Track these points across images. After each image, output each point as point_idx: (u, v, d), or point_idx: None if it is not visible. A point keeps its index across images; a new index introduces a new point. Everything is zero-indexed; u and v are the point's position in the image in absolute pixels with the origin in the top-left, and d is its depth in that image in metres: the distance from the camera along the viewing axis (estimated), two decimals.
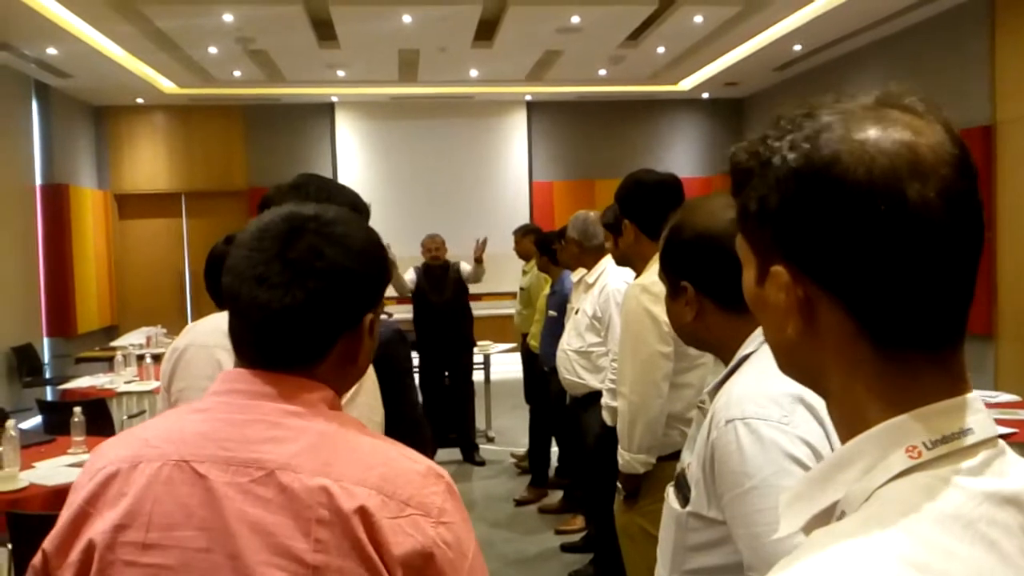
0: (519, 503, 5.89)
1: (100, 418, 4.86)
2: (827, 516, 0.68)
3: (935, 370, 0.69)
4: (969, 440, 0.66)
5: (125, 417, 5.50)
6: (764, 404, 1.31)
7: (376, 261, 1.15)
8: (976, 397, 0.69)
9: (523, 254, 6.72)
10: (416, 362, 6.89)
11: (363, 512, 0.98)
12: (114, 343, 8.25)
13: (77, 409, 4.10)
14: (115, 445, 1.12)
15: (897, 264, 0.66)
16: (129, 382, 5.93)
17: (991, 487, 0.64)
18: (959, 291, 0.68)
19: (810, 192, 0.68)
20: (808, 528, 0.69)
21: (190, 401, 2.01)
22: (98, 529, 1.04)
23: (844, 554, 0.60)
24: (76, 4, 6.93)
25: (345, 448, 1.04)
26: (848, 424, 0.71)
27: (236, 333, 1.12)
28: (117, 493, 1.05)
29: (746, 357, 1.41)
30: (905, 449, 0.66)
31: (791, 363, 0.77)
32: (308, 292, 1.07)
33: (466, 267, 6.84)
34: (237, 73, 9.47)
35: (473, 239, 6.48)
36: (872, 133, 0.68)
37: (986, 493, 0.64)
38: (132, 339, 8.01)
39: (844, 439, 0.71)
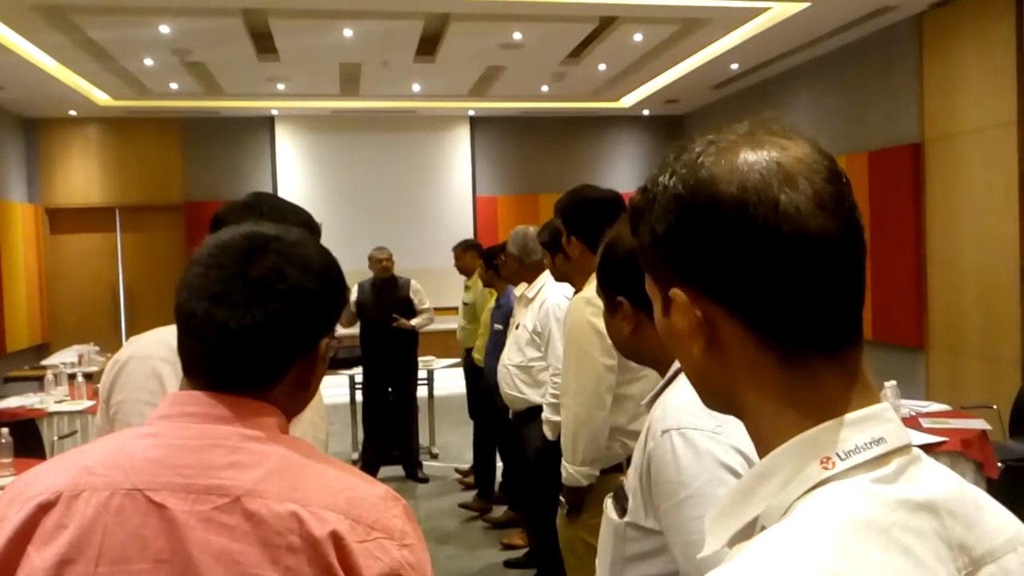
0: (463, 506, 5.98)
1: (30, 439, 4.71)
2: (749, 531, 0.70)
3: (835, 373, 0.71)
4: (881, 449, 0.68)
5: (56, 438, 5.33)
6: (698, 414, 1.32)
7: (335, 285, 1.13)
8: (887, 406, 0.72)
9: (464, 270, 6.69)
10: (360, 378, 6.84)
11: (335, 537, 0.96)
12: (45, 362, 8.01)
13: (4, 430, 3.97)
14: (47, 472, 1.04)
15: (778, 268, 0.69)
16: (60, 401, 5.74)
17: (904, 494, 0.66)
18: (844, 288, 0.71)
19: (691, 212, 0.72)
20: (733, 543, 0.70)
21: (128, 414, 1.95)
22: (36, 566, 0.96)
23: (761, 568, 0.62)
24: (4, 13, 6.74)
25: (309, 473, 1.01)
26: (763, 439, 0.74)
27: (188, 353, 1.07)
28: (55, 525, 0.98)
29: (681, 369, 1.43)
30: (820, 461, 0.68)
31: (706, 389, 0.79)
32: (268, 313, 1.04)
33: (418, 287, 6.77)
34: (174, 85, 9.31)
35: (416, 254, 6.37)
36: (743, 154, 0.72)
37: (899, 500, 0.66)
38: (64, 357, 7.77)
39: (761, 454, 0.73)
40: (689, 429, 1.32)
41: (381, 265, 6.61)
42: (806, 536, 0.63)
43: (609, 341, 2.69)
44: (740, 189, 0.70)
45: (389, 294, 6.60)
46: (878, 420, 0.70)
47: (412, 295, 6.69)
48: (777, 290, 0.69)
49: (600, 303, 2.67)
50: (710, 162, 0.73)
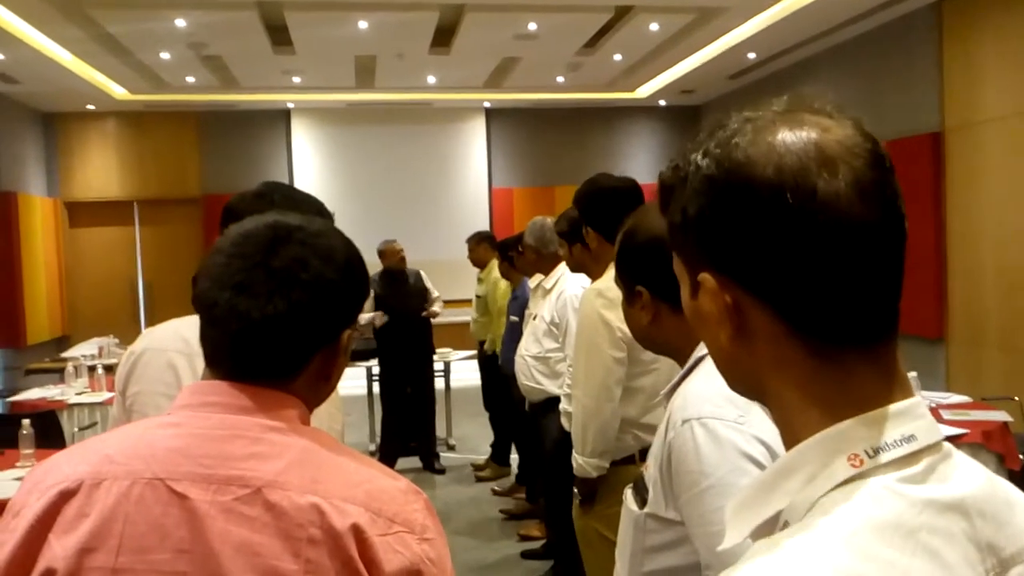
0: (479, 479, 6.23)
1: (50, 430, 4.74)
2: (771, 525, 0.68)
3: (869, 368, 0.68)
4: (912, 447, 0.66)
5: (76, 429, 5.37)
6: (720, 404, 1.31)
7: (358, 276, 1.12)
8: (919, 402, 0.69)
9: (477, 262, 6.69)
10: (376, 370, 6.86)
11: (356, 530, 0.95)
12: (65, 354, 8.05)
13: (26, 421, 3.99)
14: (68, 460, 1.04)
15: (814, 257, 0.66)
16: (80, 393, 5.79)
17: (933, 494, 0.64)
18: (882, 281, 0.68)
19: (724, 195, 0.69)
20: (756, 537, 0.68)
21: (144, 406, 1.96)
22: (58, 554, 0.96)
23: (782, 569, 0.60)
24: (23, 8, 6.78)
25: (330, 465, 1.01)
26: (789, 431, 0.71)
27: (211, 343, 1.06)
28: (76, 514, 0.97)
29: (702, 359, 1.41)
30: (847, 457, 0.65)
31: (733, 375, 0.76)
32: (291, 303, 1.03)
33: (428, 280, 6.81)
34: (191, 79, 9.34)
35: (432, 246, 6.40)
36: (780, 134, 0.68)
37: (927, 500, 0.63)
38: (83, 350, 7.82)
39: (788, 446, 0.71)
40: (710, 419, 1.31)
41: (398, 257, 6.64)
42: (830, 538, 0.61)
43: (619, 334, 2.72)
44: (776, 173, 0.66)
45: (404, 285, 6.63)
46: (910, 416, 0.67)
47: (426, 284, 6.75)
48: (811, 281, 0.66)
49: (611, 295, 2.68)
50: (746, 142, 0.69)
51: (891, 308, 0.69)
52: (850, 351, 0.68)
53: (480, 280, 6.70)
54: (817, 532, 0.61)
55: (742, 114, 0.72)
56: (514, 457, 6.33)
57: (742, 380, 0.76)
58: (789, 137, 0.68)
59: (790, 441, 0.70)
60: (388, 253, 6.65)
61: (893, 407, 0.67)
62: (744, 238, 0.68)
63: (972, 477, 0.68)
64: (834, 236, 0.65)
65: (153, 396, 1.89)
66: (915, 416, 0.67)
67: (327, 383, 1.12)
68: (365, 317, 6.36)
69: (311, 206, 1.75)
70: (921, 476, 0.65)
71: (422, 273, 6.81)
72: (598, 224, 2.98)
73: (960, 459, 0.69)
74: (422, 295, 6.71)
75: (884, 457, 0.65)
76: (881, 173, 0.68)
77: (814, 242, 0.65)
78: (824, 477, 0.65)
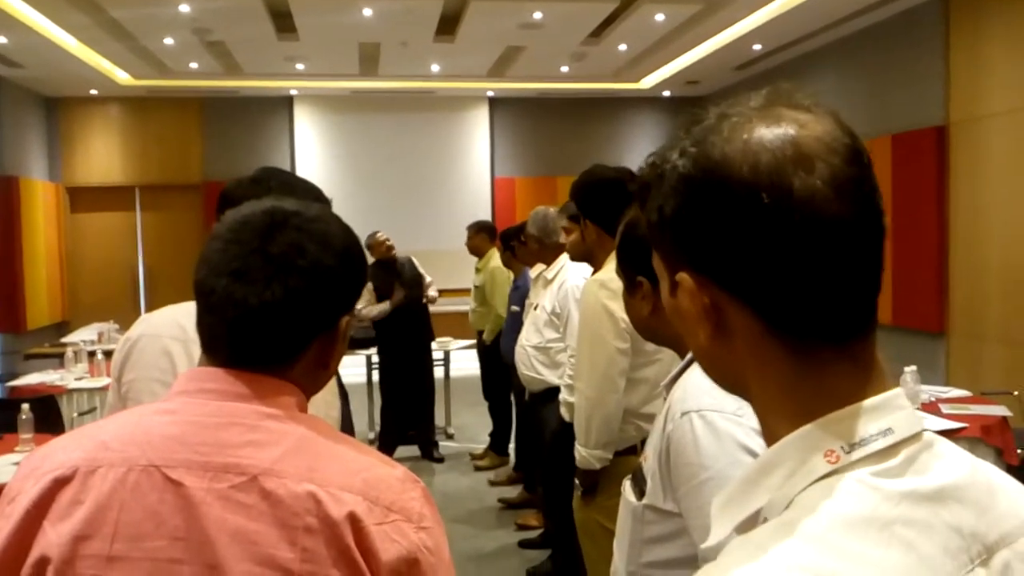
0: (478, 468, 6.27)
1: (49, 415, 4.75)
2: (753, 521, 0.68)
3: (846, 364, 0.68)
4: (889, 440, 0.66)
5: (75, 414, 5.38)
6: (719, 396, 1.30)
7: (356, 262, 1.12)
8: (897, 394, 0.69)
9: (475, 251, 6.69)
10: (376, 359, 6.87)
11: (353, 518, 0.95)
12: (65, 339, 8.07)
13: (25, 406, 4.00)
14: (63, 447, 1.03)
15: (790, 256, 0.65)
16: (80, 379, 5.80)
17: (910, 486, 0.64)
18: (859, 279, 0.68)
19: (699, 195, 0.68)
20: (739, 531, 0.69)
21: (140, 393, 1.95)
22: (52, 542, 0.96)
23: (751, 566, 0.60)
24: None
25: (327, 453, 1.00)
26: (770, 428, 0.71)
27: (208, 330, 1.06)
28: (71, 500, 0.97)
29: None
30: (824, 453, 0.65)
31: (714, 371, 0.77)
32: (288, 289, 1.02)
33: (420, 266, 6.82)
34: (194, 65, 9.32)
35: (434, 235, 6.42)
36: (757, 131, 0.68)
37: (904, 493, 0.63)
38: (83, 335, 7.84)
39: (768, 443, 0.71)
40: (709, 411, 1.31)
41: (385, 247, 6.63)
42: (801, 534, 0.61)
43: (622, 324, 2.71)
44: (752, 172, 0.66)
45: (398, 274, 6.62)
46: (887, 409, 0.67)
47: (419, 270, 6.77)
48: (788, 280, 0.66)
49: (614, 286, 2.68)
50: (721, 140, 0.68)
51: (868, 304, 0.69)
52: (827, 348, 0.68)
53: (478, 270, 6.70)
54: (789, 529, 0.62)
55: (719, 109, 0.72)
56: (512, 447, 6.34)
57: (723, 377, 0.76)
58: (765, 134, 0.67)
59: (770, 437, 0.71)
60: (375, 245, 6.63)
61: (869, 402, 0.67)
62: (721, 238, 0.68)
63: (953, 465, 0.68)
64: (810, 235, 0.65)
65: (148, 383, 1.88)
66: (892, 409, 0.67)
67: (325, 370, 1.11)
68: (379, 308, 6.38)
69: (308, 192, 1.75)
70: (899, 469, 0.65)
71: (414, 260, 6.82)
72: (596, 215, 2.97)
73: (943, 448, 0.69)
74: (419, 283, 6.71)
75: (860, 452, 0.65)
76: (859, 169, 0.67)
77: (790, 241, 0.65)
78: (802, 473, 0.65)
